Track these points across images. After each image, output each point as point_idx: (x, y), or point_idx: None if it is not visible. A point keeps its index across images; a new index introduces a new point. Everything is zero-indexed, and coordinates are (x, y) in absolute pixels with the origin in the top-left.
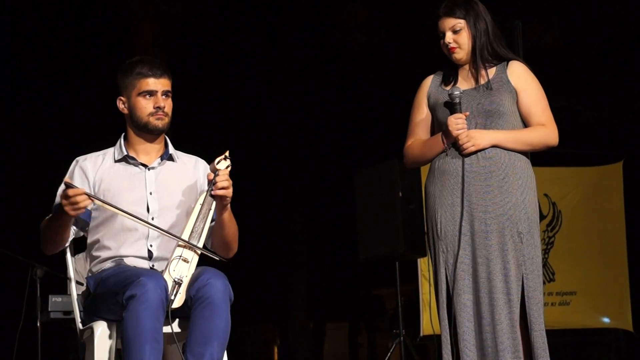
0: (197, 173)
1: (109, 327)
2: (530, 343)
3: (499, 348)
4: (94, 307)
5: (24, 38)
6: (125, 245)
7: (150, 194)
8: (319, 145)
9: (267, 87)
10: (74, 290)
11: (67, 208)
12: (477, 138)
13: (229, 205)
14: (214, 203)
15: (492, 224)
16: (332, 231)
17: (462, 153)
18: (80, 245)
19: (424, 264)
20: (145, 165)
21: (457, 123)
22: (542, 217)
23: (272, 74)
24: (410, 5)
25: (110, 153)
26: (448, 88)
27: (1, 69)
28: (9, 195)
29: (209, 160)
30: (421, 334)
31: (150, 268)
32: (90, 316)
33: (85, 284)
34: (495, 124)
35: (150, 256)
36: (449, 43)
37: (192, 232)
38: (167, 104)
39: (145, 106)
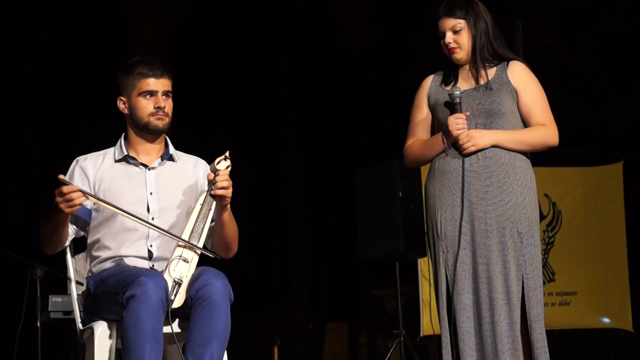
0: (197, 173)
1: (109, 327)
2: (530, 343)
3: (498, 348)
4: (94, 307)
5: (24, 38)
6: (126, 245)
7: (151, 194)
8: (319, 146)
9: (267, 87)
10: (74, 290)
11: (62, 205)
12: (477, 138)
13: (229, 205)
14: (214, 203)
15: (492, 224)
16: (332, 231)
17: (462, 153)
18: (80, 246)
19: (424, 264)
20: (145, 165)
21: (457, 123)
22: (542, 217)
23: (272, 74)
24: (410, 5)
25: (110, 153)
26: (448, 88)
27: (1, 69)
28: (9, 195)
29: (209, 160)
30: (421, 334)
31: (150, 268)
32: (90, 316)
33: (85, 284)
34: (496, 124)
35: (150, 256)
36: (449, 43)
37: (192, 232)
38: (168, 104)
39: (146, 106)
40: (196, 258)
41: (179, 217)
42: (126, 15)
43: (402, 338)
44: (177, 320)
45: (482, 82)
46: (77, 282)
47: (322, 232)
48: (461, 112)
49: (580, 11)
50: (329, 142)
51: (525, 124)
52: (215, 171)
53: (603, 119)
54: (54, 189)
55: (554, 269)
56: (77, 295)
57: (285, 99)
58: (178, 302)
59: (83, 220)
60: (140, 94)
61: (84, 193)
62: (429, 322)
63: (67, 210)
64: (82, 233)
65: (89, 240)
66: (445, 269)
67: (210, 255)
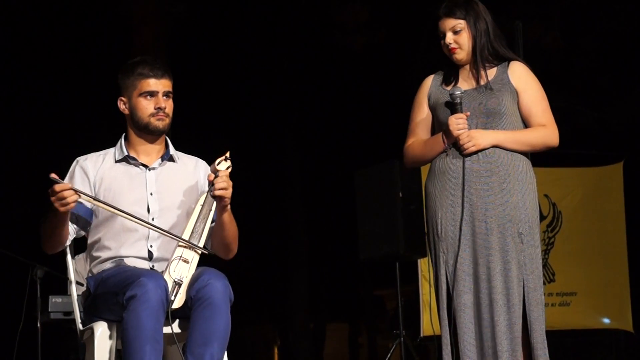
0: (197, 174)
1: (109, 328)
2: (531, 344)
3: (498, 349)
4: (94, 307)
5: (24, 38)
6: (126, 245)
7: (151, 194)
8: (320, 146)
9: (267, 87)
10: (74, 290)
11: (56, 204)
12: (477, 138)
13: (229, 206)
14: (215, 204)
15: (492, 224)
16: (332, 231)
17: (463, 153)
18: (80, 246)
19: (424, 265)
20: (145, 166)
21: (458, 123)
22: (542, 217)
23: (272, 74)
24: (410, 5)
25: (110, 153)
26: (449, 88)
27: (1, 69)
28: (9, 196)
29: (210, 161)
30: (421, 335)
31: (151, 269)
32: (90, 317)
33: (85, 285)
34: (496, 124)
35: (150, 257)
36: (450, 43)
37: (192, 232)
38: (168, 105)
39: (146, 107)
40: (196, 258)
41: (179, 217)
42: (127, 15)
43: (402, 338)
44: (177, 320)
45: (482, 82)
46: (77, 283)
47: (322, 232)
48: (462, 112)
49: (580, 11)
50: (329, 142)
51: (526, 124)
52: (215, 172)
53: (603, 119)
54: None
55: (554, 270)
56: (77, 295)
57: (285, 99)
58: (178, 302)
59: (84, 220)
60: (140, 95)
61: (76, 191)
62: (429, 322)
63: (62, 209)
64: (82, 233)
65: (89, 241)
66: (446, 269)
67: (210, 253)
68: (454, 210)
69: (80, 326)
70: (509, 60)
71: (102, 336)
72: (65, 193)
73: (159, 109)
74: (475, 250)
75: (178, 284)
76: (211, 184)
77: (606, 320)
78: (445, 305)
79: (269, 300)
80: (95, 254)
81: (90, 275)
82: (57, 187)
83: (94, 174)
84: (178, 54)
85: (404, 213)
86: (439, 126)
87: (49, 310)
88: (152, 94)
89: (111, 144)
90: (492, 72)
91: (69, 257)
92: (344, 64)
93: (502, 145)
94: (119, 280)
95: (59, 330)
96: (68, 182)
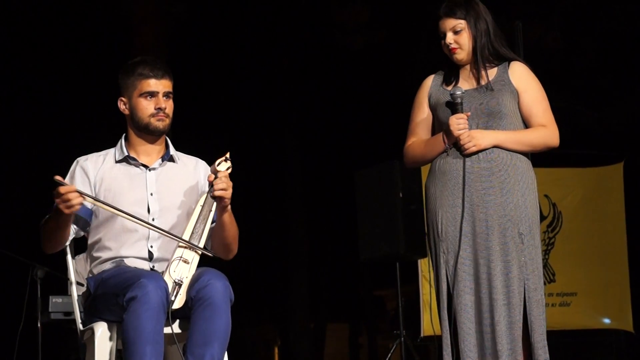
0: (197, 174)
1: (110, 328)
2: (531, 344)
3: (498, 349)
4: (94, 308)
5: (24, 38)
6: (126, 246)
7: (151, 194)
8: (320, 146)
9: (268, 87)
10: (75, 291)
11: (60, 206)
12: (478, 138)
13: (229, 206)
14: (215, 204)
15: (493, 224)
16: (332, 232)
17: (464, 153)
18: (80, 246)
19: (424, 265)
20: (146, 166)
21: (458, 123)
22: (542, 218)
23: (272, 74)
24: (410, 5)
25: (111, 153)
26: (449, 88)
27: (1, 69)
28: (10, 196)
29: (210, 161)
30: (422, 335)
31: (151, 269)
32: (90, 317)
33: (85, 285)
34: (497, 125)
35: (150, 257)
36: (450, 44)
37: (192, 233)
38: (168, 105)
39: (146, 107)
40: (197, 259)
41: (180, 218)
42: (127, 15)
43: (402, 338)
44: (177, 321)
45: (483, 82)
46: (78, 283)
47: (322, 233)
48: (462, 112)
49: (580, 11)
50: (330, 143)
51: (526, 124)
52: (215, 172)
53: (603, 119)
54: (53, 190)
55: (554, 270)
56: (78, 296)
57: (285, 99)
58: (178, 303)
59: (84, 220)
60: (141, 95)
61: (81, 194)
62: (430, 322)
63: (67, 211)
64: (82, 233)
65: (89, 241)
66: (446, 269)
67: (210, 255)
68: (455, 210)
69: (80, 326)
70: (509, 60)
71: (103, 336)
72: (70, 195)
73: (159, 109)
74: (476, 250)
75: (178, 284)
76: (211, 184)
77: (606, 321)
78: (445, 305)
79: (269, 300)
80: (95, 254)
81: (90, 275)
82: (62, 189)
83: (95, 174)
84: (178, 54)
85: (404, 213)
86: (439, 126)
87: (49, 310)
88: (153, 94)
89: (111, 144)
90: (492, 72)
91: (69, 257)
92: (344, 64)
93: (503, 146)
94: (119, 281)
95: (59, 330)
96: (68, 182)
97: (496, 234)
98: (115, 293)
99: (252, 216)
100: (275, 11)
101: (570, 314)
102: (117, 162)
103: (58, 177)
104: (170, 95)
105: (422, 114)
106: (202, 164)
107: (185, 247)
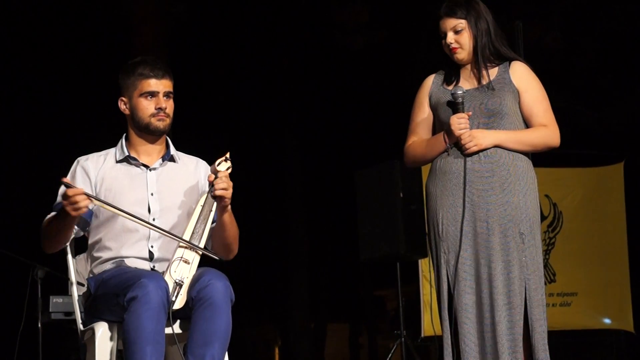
0: (198, 174)
1: (110, 328)
2: (532, 344)
3: (499, 349)
4: (94, 308)
5: (24, 38)
6: (126, 246)
7: (152, 194)
8: (320, 146)
9: (268, 87)
10: (75, 291)
11: (67, 208)
12: (479, 138)
13: (229, 206)
14: (215, 204)
15: (494, 224)
16: (332, 232)
17: (465, 153)
18: (81, 246)
19: (424, 265)
20: (146, 166)
21: (459, 123)
22: (542, 217)
23: (272, 74)
24: (410, 5)
25: (111, 153)
26: (450, 88)
27: (1, 69)
28: (10, 196)
29: (210, 161)
30: (422, 335)
31: (151, 269)
32: (91, 317)
33: (86, 285)
34: (498, 124)
35: (151, 257)
36: (451, 43)
37: (193, 233)
38: (169, 105)
39: (147, 107)
40: (197, 259)
41: (180, 218)
42: (127, 15)
43: (402, 339)
44: (178, 321)
45: (484, 82)
46: (78, 283)
47: (322, 233)
48: (464, 112)
49: (580, 11)
50: (330, 143)
51: (527, 124)
52: (215, 172)
53: (604, 120)
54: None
55: (554, 270)
56: (78, 296)
57: (285, 99)
58: (179, 303)
59: (84, 220)
60: (141, 95)
61: (89, 196)
62: (430, 322)
63: (74, 213)
64: (82, 233)
65: (89, 241)
66: (447, 269)
67: (212, 256)
68: (455, 210)
69: (81, 327)
70: (510, 60)
71: (103, 337)
72: (78, 198)
73: (159, 109)
74: (477, 250)
75: (179, 284)
76: (211, 184)
77: (607, 321)
78: (446, 305)
79: (269, 300)
80: (96, 254)
81: (91, 275)
82: (70, 192)
83: (95, 174)
84: (178, 54)
85: (404, 213)
86: (439, 126)
87: (50, 310)
88: (153, 94)
89: (112, 144)
90: (493, 72)
91: (69, 257)
92: (344, 64)
93: (504, 145)
94: (119, 282)
95: (59, 330)
96: (70, 182)
97: (497, 234)
98: (116, 293)
99: (252, 216)
100: (275, 11)
101: (570, 314)
102: (117, 162)
103: (66, 179)
104: (171, 95)
105: (423, 114)
106: (202, 164)
107: (186, 248)
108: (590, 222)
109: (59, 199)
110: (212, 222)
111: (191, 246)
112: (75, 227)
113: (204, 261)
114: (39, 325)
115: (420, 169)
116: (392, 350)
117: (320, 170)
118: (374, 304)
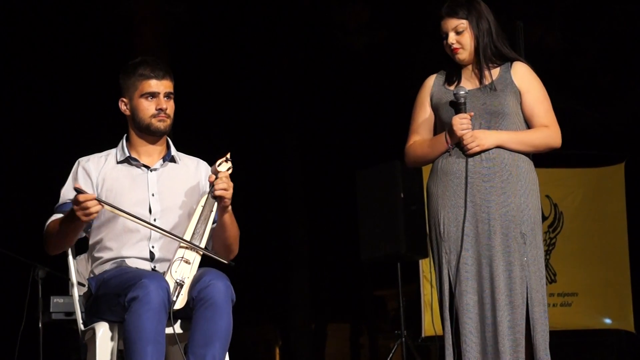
0: (199, 175)
1: (111, 329)
2: (533, 344)
3: (500, 349)
4: (95, 308)
5: (24, 38)
6: (127, 246)
7: (153, 195)
8: (321, 146)
9: (268, 87)
10: (76, 291)
11: (79, 213)
12: (481, 138)
13: (230, 207)
14: (216, 205)
15: (495, 225)
16: (333, 232)
17: (467, 153)
18: (81, 247)
19: (425, 265)
20: (147, 167)
21: (462, 123)
22: (543, 218)
23: (273, 74)
24: (410, 5)
25: (112, 154)
26: (451, 88)
27: (1, 69)
28: (10, 196)
29: (211, 161)
30: (423, 335)
31: (152, 269)
32: (91, 317)
33: (86, 285)
34: (499, 125)
35: (152, 257)
36: (452, 44)
37: (193, 233)
38: (169, 106)
39: (147, 108)
40: (198, 259)
41: (181, 218)
42: (127, 15)
43: (403, 339)
44: (179, 321)
45: (486, 82)
46: (79, 283)
47: (323, 233)
48: (466, 112)
49: (581, 11)
50: (331, 143)
51: (528, 124)
52: (216, 173)
53: (605, 120)
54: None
55: (555, 270)
56: (79, 296)
57: (286, 99)
58: (180, 303)
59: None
60: (142, 96)
61: (100, 201)
62: (431, 322)
63: (85, 219)
64: (83, 234)
65: (90, 242)
66: (448, 269)
67: (212, 256)
68: (457, 210)
69: (81, 327)
70: (511, 60)
71: (104, 337)
72: (89, 203)
73: (160, 110)
74: (478, 250)
75: (180, 284)
76: (212, 185)
77: (607, 321)
78: (447, 306)
79: (270, 300)
80: (96, 254)
81: (91, 276)
82: (81, 197)
83: (97, 175)
84: (178, 54)
85: (405, 213)
86: (441, 126)
87: (51, 310)
88: (154, 95)
89: (112, 144)
90: (494, 72)
91: (70, 257)
92: (344, 64)
93: (506, 146)
94: (120, 282)
95: (60, 330)
96: (72, 183)
97: (498, 234)
98: (117, 293)
99: (252, 216)
100: (276, 11)
101: (571, 314)
102: (118, 162)
103: (77, 185)
104: (171, 96)
105: (424, 114)
106: (203, 165)
107: (187, 248)
108: (591, 222)
109: (61, 200)
110: (213, 223)
111: (192, 246)
112: None
113: (205, 261)
114: (40, 325)
115: (421, 169)
116: (393, 351)
117: (321, 171)
118: (374, 304)
